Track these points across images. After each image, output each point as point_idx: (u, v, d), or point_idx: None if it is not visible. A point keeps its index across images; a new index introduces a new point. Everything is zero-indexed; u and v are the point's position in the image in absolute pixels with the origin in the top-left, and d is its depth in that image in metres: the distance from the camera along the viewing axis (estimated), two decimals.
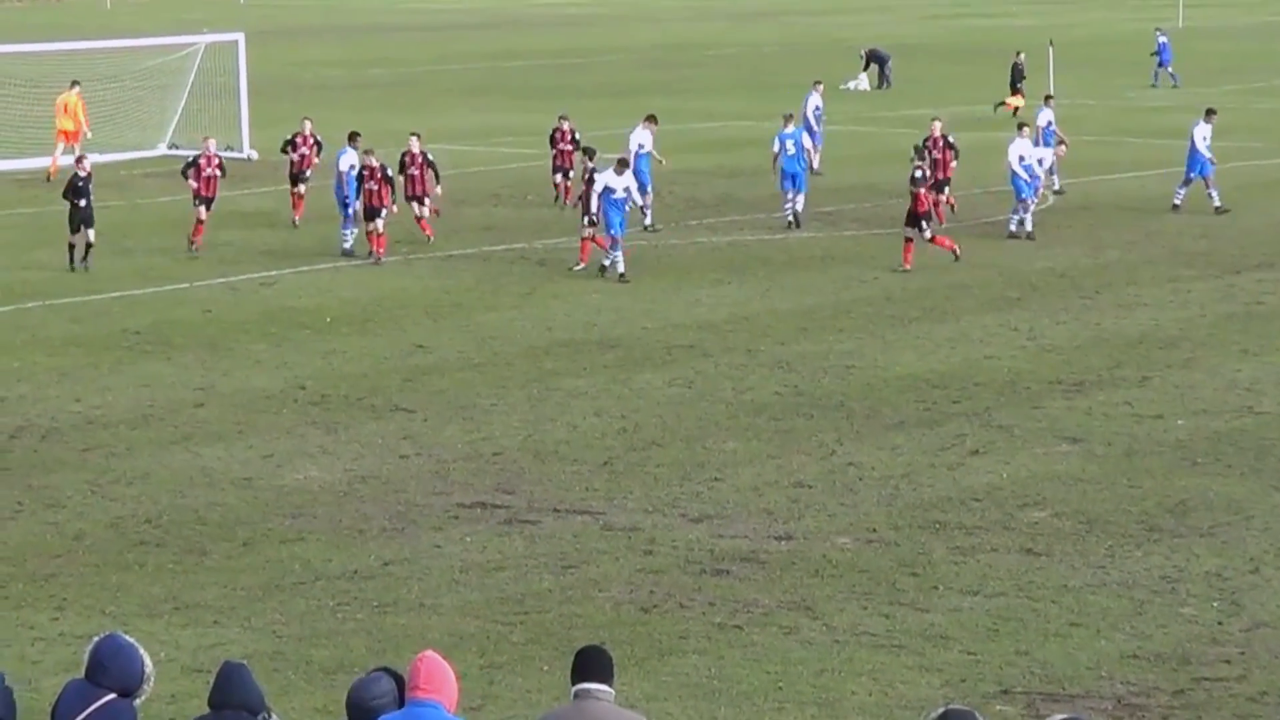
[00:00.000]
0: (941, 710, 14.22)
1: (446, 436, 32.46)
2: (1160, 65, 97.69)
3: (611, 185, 45.54)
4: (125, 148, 66.42)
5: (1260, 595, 25.01)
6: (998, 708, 19.81)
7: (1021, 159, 50.15)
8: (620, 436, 32.50)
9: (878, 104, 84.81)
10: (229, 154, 65.53)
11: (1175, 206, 54.43)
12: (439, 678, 15.02)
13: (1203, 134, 55.62)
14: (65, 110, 64.29)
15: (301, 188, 54.45)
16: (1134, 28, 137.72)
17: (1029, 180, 50.11)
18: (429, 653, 15.49)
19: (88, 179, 47.23)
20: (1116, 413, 33.94)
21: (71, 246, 46.01)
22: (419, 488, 29.60)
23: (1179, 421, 33.45)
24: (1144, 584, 25.37)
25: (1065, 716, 14.11)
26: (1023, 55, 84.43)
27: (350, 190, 49.40)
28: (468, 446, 31.87)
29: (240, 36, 71.07)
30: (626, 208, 46.03)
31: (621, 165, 46.90)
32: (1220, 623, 24.07)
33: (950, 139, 51.30)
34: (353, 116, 70.53)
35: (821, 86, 56.10)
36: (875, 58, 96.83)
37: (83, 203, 46.23)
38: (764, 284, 42.81)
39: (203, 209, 49.43)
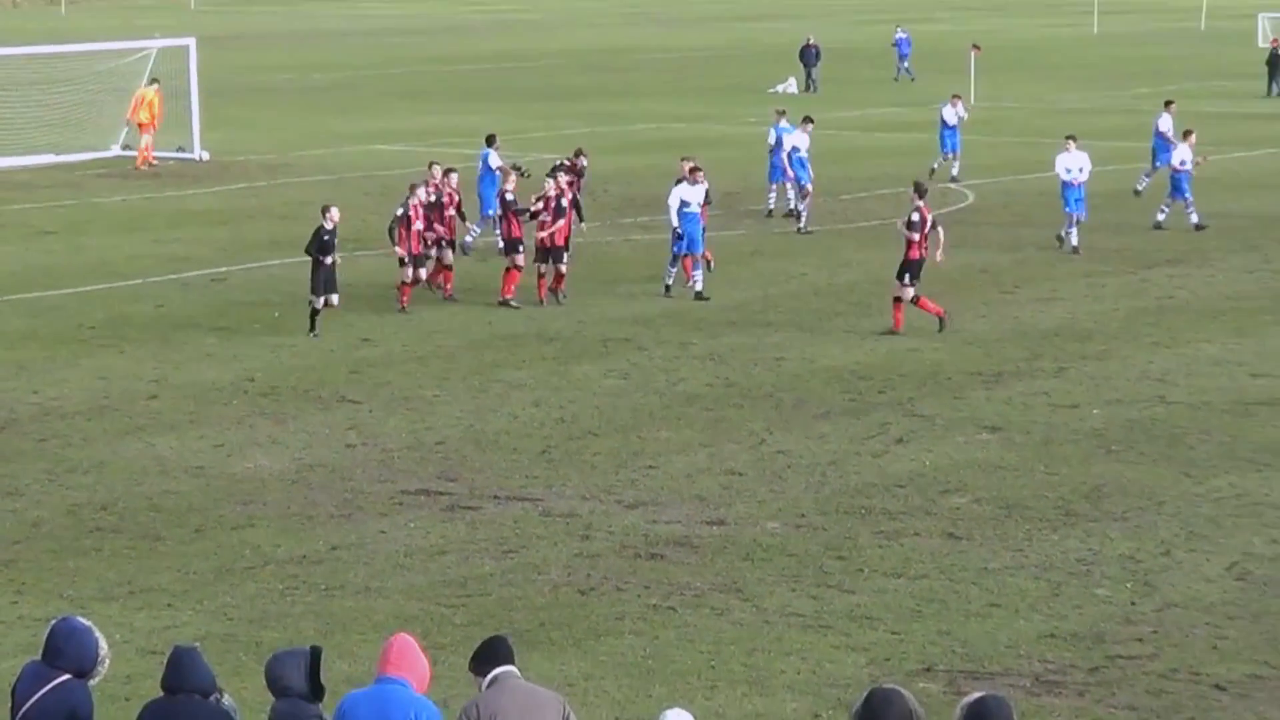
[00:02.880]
0: (868, 690, 14.30)
1: (391, 426, 32.44)
2: (900, 59, 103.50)
3: (686, 198, 43.41)
4: (80, 149, 66.22)
5: (1171, 577, 25.11)
6: (921, 685, 19.87)
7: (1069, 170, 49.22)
8: (558, 426, 32.52)
9: (805, 107, 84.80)
10: (180, 155, 65.65)
11: (1137, 192, 55.14)
12: (409, 659, 15.11)
13: (1166, 125, 56.64)
14: (143, 102, 65.43)
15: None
16: (1051, 34, 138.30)
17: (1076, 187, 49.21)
18: (401, 634, 15.57)
19: (333, 232, 40.29)
20: (1034, 402, 34.05)
21: (315, 311, 39.73)
22: (365, 476, 29.59)
23: (1094, 411, 33.57)
24: (1060, 566, 25.46)
25: (984, 693, 14.18)
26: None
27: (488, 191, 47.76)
28: (411, 436, 31.85)
29: (191, 41, 70.94)
30: (703, 221, 43.67)
31: (695, 174, 44.20)
32: (1133, 603, 24.16)
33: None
34: (300, 118, 70.63)
35: (811, 126, 55.31)
36: (804, 59, 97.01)
37: (328, 260, 39.93)
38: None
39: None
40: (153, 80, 67.30)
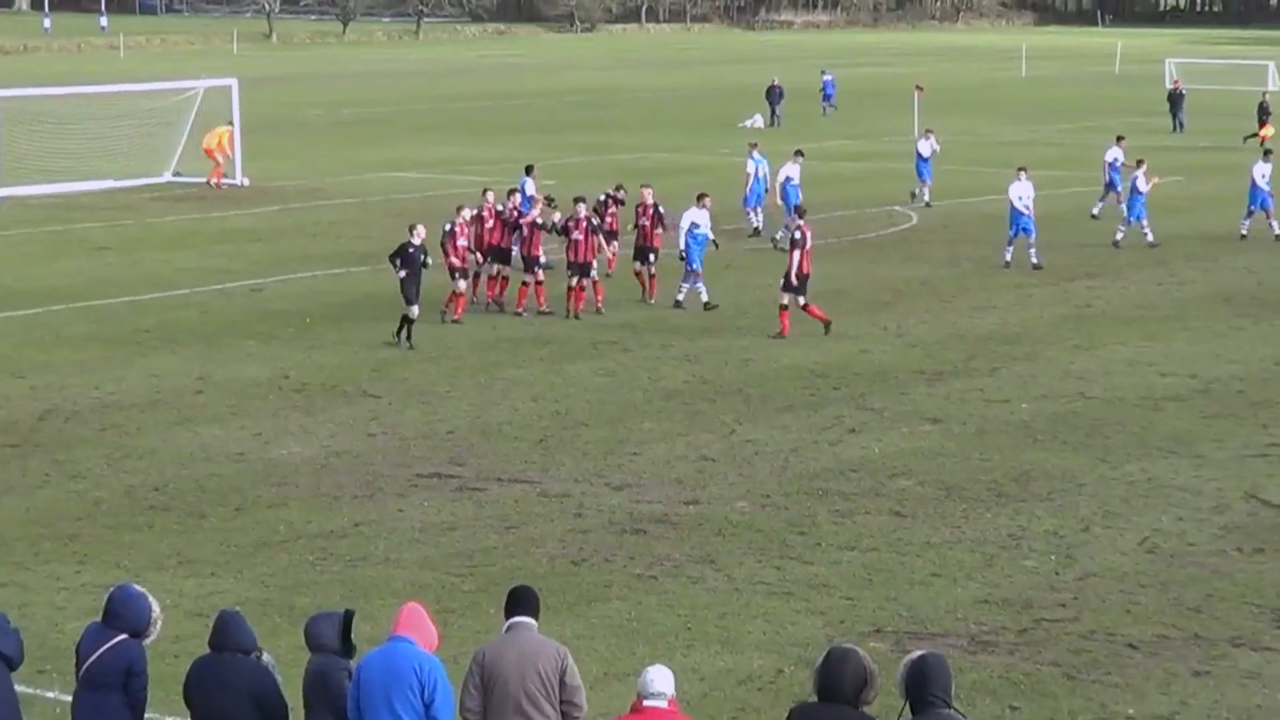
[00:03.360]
0: (827, 648, 14.28)
1: (407, 418, 32.41)
2: (825, 99, 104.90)
3: (697, 220, 42.85)
4: (136, 175, 66.16)
5: (1090, 550, 25.11)
6: (871, 644, 19.87)
7: (1020, 198, 48.62)
8: (554, 418, 32.49)
9: (770, 139, 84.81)
10: (228, 182, 65.62)
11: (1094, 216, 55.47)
12: (416, 622, 15.20)
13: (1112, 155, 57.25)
14: (218, 140, 66.01)
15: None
16: (985, 77, 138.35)
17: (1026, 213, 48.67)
18: (412, 602, 15.64)
19: (420, 248, 38.71)
20: (970, 398, 34.05)
21: (407, 320, 38.35)
22: (384, 461, 29.56)
23: (1022, 405, 33.57)
24: (993, 541, 25.47)
25: (926, 651, 14.17)
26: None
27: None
28: (425, 426, 31.83)
29: (234, 82, 70.95)
30: (706, 243, 43.00)
31: (702, 200, 43.62)
32: (1057, 573, 24.16)
33: (661, 208, 44.83)
34: (329, 149, 70.48)
35: (802, 158, 55.04)
36: (769, 98, 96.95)
37: (403, 274, 38.27)
38: (674, 291, 42.71)
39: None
40: (229, 122, 67.49)
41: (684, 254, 42.75)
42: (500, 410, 33.06)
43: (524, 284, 42.11)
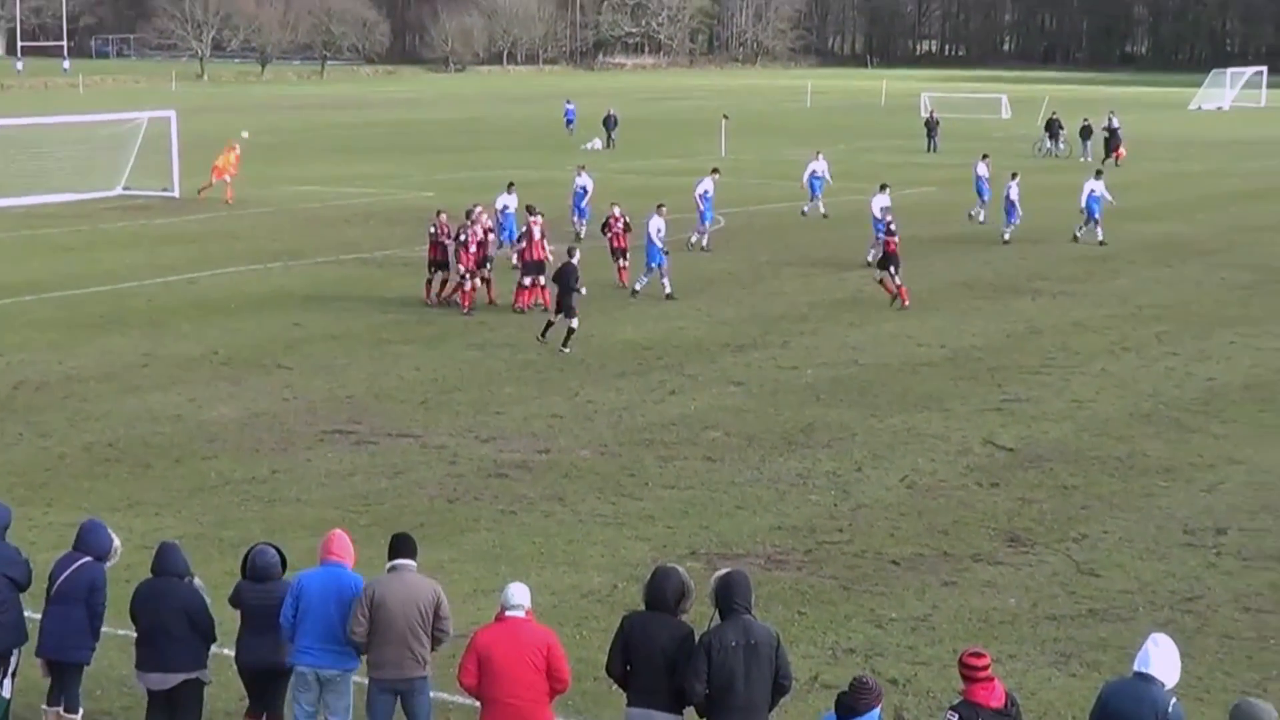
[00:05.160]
0: (653, 567, 14.31)
1: (314, 385, 32.16)
2: (568, 124, 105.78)
3: (660, 226, 41.77)
4: (92, 189, 65.26)
5: (862, 486, 25.27)
6: (689, 564, 19.89)
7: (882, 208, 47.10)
8: (433, 384, 32.34)
9: (606, 158, 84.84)
10: (163, 193, 64.81)
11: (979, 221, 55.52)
12: (346, 547, 15.25)
13: (983, 170, 58.60)
14: (228, 157, 64.69)
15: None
16: (776, 108, 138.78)
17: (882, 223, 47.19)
18: (337, 529, 15.60)
19: (575, 269, 35.79)
20: (766, 365, 34.17)
21: (550, 323, 36.20)
22: (296, 420, 29.33)
23: (808, 370, 33.73)
24: (785, 480, 25.57)
25: (731, 569, 14.22)
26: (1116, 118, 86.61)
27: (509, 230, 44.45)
28: (329, 392, 31.59)
29: (173, 113, 70.21)
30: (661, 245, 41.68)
31: (660, 209, 42.63)
32: (835, 505, 24.30)
33: (627, 219, 44.30)
34: (250, 167, 69.67)
35: (718, 175, 54.73)
36: (606, 125, 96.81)
37: (559, 289, 35.77)
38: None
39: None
40: (234, 144, 66.78)
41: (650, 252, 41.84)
42: (389, 378, 32.87)
43: (521, 286, 40.54)
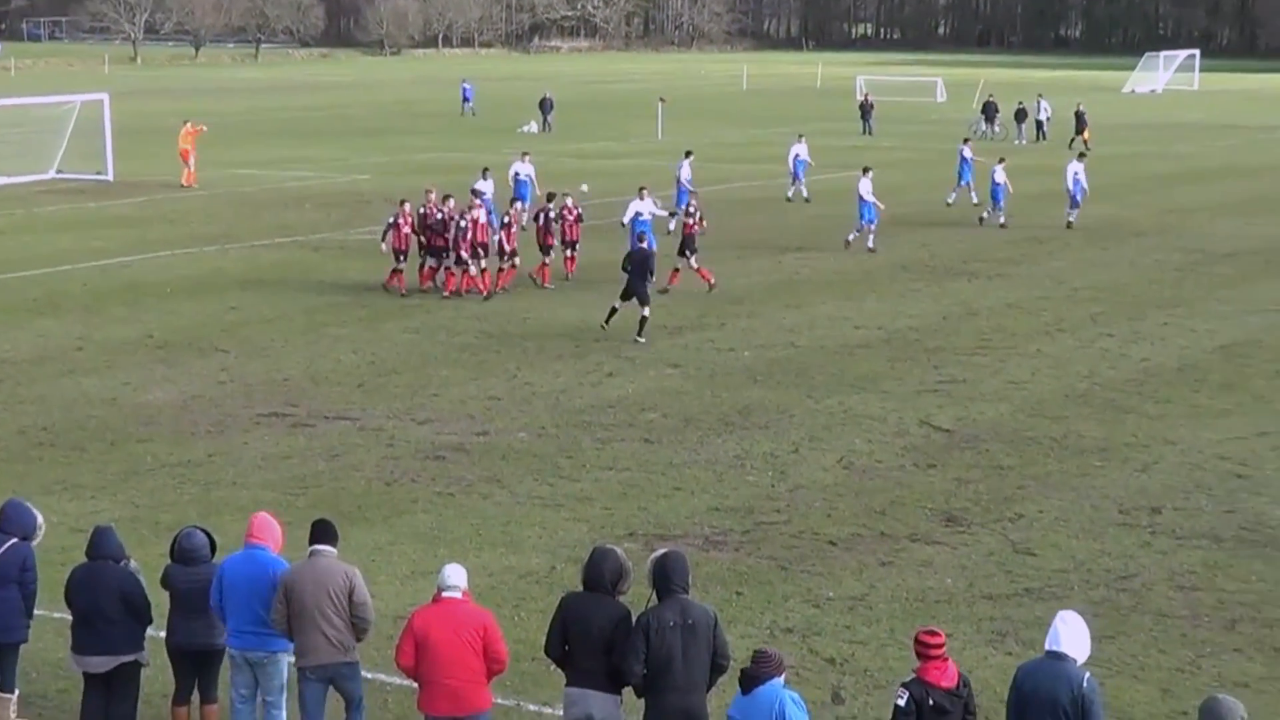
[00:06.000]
0: (591, 548, 14.30)
1: (251, 368, 32.02)
2: (465, 103, 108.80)
3: (639, 210, 41.21)
4: (25, 173, 64.76)
5: (799, 467, 25.32)
6: (626, 545, 19.87)
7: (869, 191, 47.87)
8: (369, 367, 32.25)
9: (543, 141, 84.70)
10: (96, 177, 64.40)
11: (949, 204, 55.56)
12: (267, 529, 15.09)
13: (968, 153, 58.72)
14: (185, 137, 64.26)
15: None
16: (713, 90, 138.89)
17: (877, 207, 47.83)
18: (260, 512, 15.46)
19: (652, 254, 35.46)
20: (704, 347, 34.20)
21: (614, 310, 35.37)
22: (232, 403, 29.21)
23: (745, 352, 33.78)
24: (722, 461, 25.60)
25: (669, 549, 14.23)
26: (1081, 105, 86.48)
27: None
28: (265, 375, 31.46)
29: (106, 96, 69.68)
30: (650, 225, 40.73)
31: (642, 191, 42.18)
32: (773, 485, 24.34)
33: (579, 209, 42.99)
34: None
35: (692, 156, 54.79)
36: (542, 108, 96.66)
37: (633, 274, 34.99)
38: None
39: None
40: (185, 120, 66.33)
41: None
42: (326, 361, 32.76)
43: (501, 269, 40.57)
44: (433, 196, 40.92)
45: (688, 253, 40.95)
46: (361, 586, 14.51)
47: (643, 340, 34.56)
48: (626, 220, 41.99)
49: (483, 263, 39.95)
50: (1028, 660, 13.26)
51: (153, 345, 34.12)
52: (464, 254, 39.69)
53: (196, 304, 38.74)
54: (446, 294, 39.72)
